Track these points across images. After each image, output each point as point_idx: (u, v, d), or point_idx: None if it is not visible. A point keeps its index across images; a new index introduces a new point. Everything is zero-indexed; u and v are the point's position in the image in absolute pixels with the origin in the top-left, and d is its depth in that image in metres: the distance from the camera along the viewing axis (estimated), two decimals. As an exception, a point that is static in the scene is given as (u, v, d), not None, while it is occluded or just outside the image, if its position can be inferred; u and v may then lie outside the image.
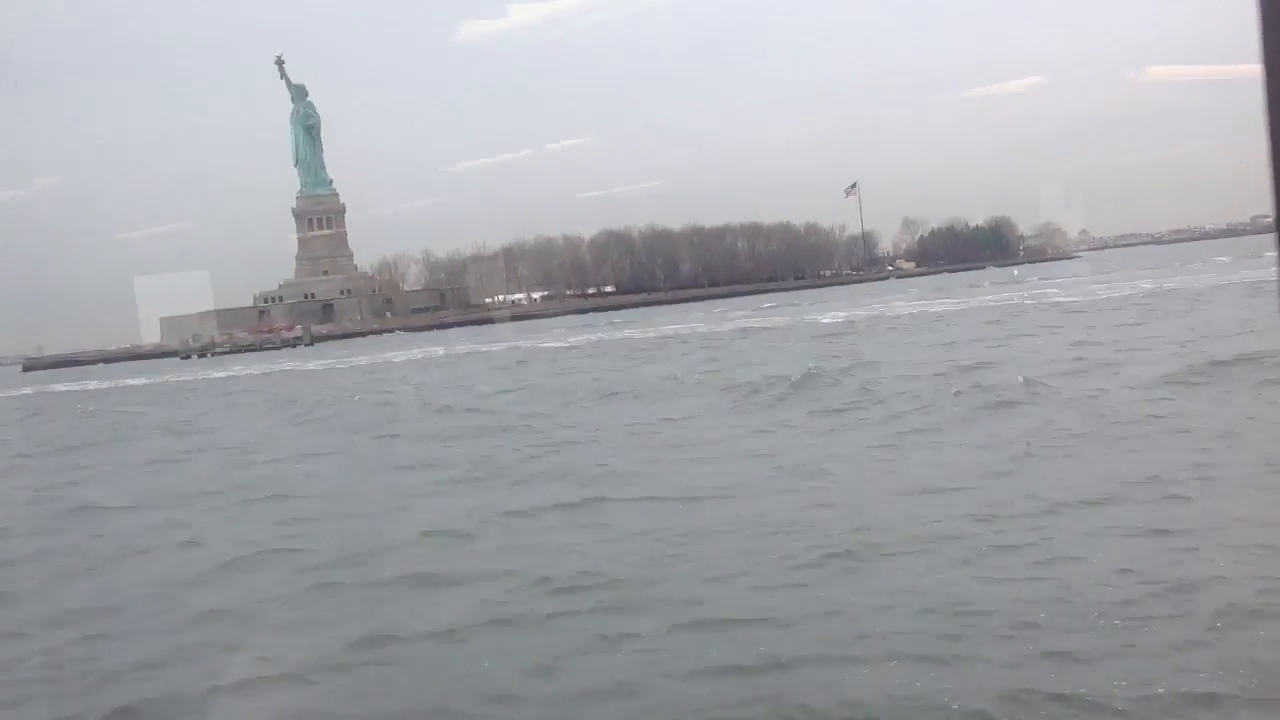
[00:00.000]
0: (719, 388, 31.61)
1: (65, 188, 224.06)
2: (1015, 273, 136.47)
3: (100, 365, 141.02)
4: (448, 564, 13.10)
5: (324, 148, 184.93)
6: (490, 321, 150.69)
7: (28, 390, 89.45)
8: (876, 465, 17.34)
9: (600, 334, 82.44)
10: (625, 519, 14.71)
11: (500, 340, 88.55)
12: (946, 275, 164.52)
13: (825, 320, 69.68)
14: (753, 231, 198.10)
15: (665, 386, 33.94)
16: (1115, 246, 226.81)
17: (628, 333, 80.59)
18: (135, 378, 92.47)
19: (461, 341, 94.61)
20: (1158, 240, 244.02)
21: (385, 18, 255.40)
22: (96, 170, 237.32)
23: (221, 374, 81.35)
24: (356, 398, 42.94)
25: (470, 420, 29.94)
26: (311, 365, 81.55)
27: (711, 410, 26.87)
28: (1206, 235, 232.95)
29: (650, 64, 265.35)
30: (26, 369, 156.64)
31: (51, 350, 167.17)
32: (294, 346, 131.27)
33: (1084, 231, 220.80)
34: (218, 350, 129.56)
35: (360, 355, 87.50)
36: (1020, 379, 25.03)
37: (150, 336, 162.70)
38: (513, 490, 18.09)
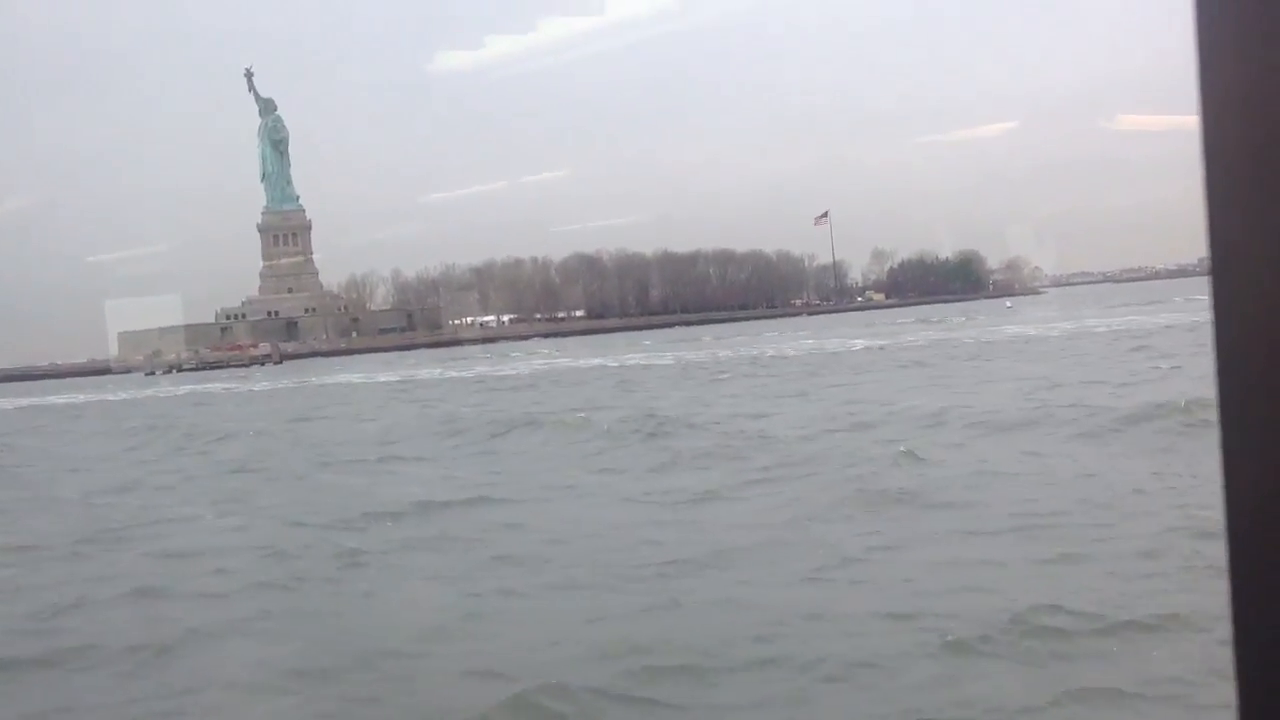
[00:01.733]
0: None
1: (32, 209, 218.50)
2: (1009, 304, 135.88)
3: (47, 381, 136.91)
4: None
5: (292, 165, 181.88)
6: (459, 343, 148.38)
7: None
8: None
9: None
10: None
11: (470, 364, 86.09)
12: (925, 307, 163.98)
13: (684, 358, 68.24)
14: (724, 258, 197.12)
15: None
16: (1071, 284, 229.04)
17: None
18: (63, 395, 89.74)
19: (427, 365, 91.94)
20: (1111, 279, 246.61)
21: (362, 42, 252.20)
22: (64, 188, 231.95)
23: (162, 393, 78.73)
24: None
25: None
26: (261, 386, 78.73)
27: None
28: (1157, 275, 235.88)
29: (626, 96, 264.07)
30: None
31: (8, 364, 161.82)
32: (262, 365, 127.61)
33: (1036, 268, 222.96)
34: (184, 367, 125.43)
35: (333, 375, 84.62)
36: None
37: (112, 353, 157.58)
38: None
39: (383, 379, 73.60)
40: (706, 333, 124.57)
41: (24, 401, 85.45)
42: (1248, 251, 0.78)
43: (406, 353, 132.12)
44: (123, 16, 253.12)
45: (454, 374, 72.67)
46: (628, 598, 11.44)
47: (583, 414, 31.64)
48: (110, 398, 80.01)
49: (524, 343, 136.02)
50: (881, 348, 61.42)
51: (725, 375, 49.57)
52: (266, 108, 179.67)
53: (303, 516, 18.26)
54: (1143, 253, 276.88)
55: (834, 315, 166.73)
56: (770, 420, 27.85)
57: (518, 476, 21.63)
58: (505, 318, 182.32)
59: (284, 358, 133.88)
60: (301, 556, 14.83)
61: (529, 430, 29.16)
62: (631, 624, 10.40)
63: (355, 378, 77.10)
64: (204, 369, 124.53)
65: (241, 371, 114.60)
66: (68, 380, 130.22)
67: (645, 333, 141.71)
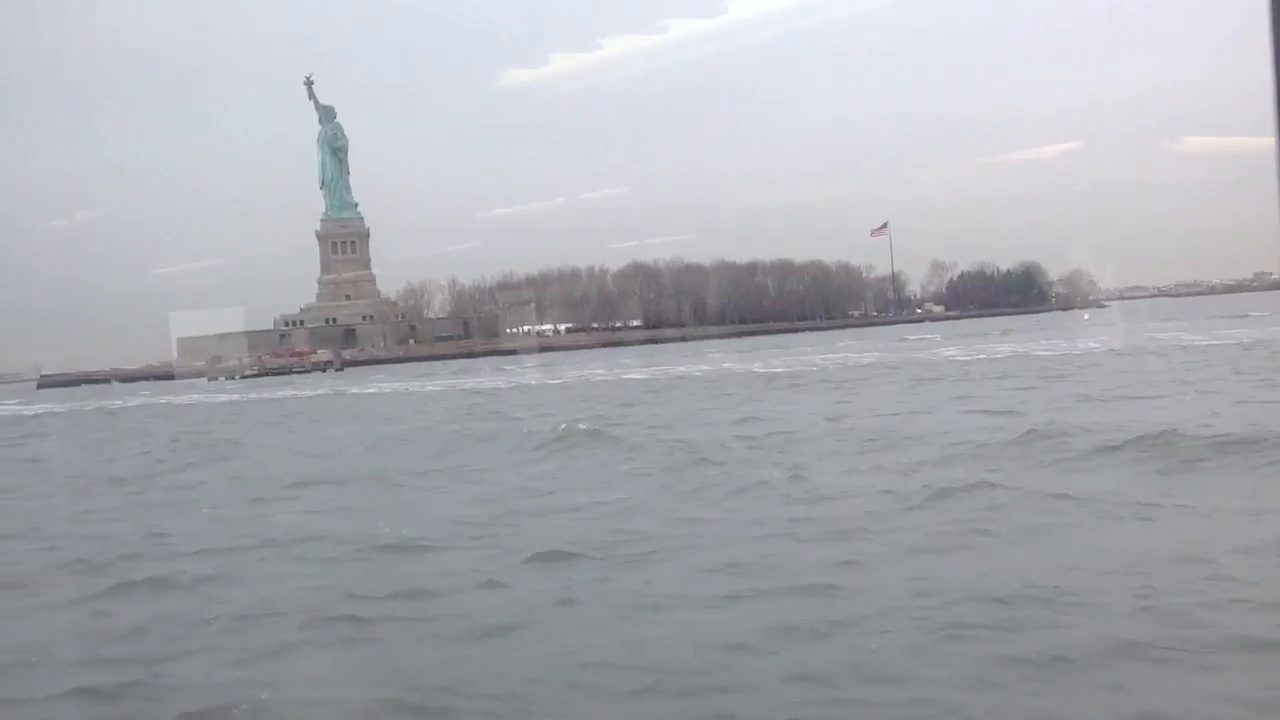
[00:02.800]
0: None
1: (99, 220, 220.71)
2: (1087, 316, 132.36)
3: (113, 384, 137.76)
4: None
5: (352, 177, 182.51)
6: (515, 352, 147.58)
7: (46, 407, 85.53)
8: None
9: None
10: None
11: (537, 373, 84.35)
12: (989, 319, 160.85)
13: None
14: (783, 268, 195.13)
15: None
16: (1125, 298, 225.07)
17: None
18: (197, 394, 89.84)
19: (484, 373, 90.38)
20: (1165, 293, 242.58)
21: (431, 59, 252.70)
22: (129, 198, 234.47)
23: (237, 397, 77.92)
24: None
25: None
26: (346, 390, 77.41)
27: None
28: (1213, 290, 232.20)
29: (685, 112, 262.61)
30: (41, 385, 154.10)
31: (65, 370, 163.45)
32: (324, 371, 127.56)
33: (1092, 281, 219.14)
34: (247, 373, 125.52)
35: (401, 381, 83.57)
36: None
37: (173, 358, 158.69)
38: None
39: (525, 381, 71.58)
40: (793, 341, 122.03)
41: (161, 400, 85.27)
42: None
43: (472, 360, 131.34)
44: (189, 30, 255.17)
45: (687, 369, 69.98)
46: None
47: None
48: (224, 397, 79.56)
49: (630, 349, 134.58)
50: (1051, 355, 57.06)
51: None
52: (326, 115, 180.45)
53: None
54: (1196, 268, 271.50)
55: (903, 326, 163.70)
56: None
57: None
58: (562, 327, 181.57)
59: (344, 364, 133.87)
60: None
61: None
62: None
63: (500, 383, 74.38)
64: (267, 374, 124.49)
65: (309, 378, 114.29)
66: (147, 384, 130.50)
67: (718, 341, 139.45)
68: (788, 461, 20.67)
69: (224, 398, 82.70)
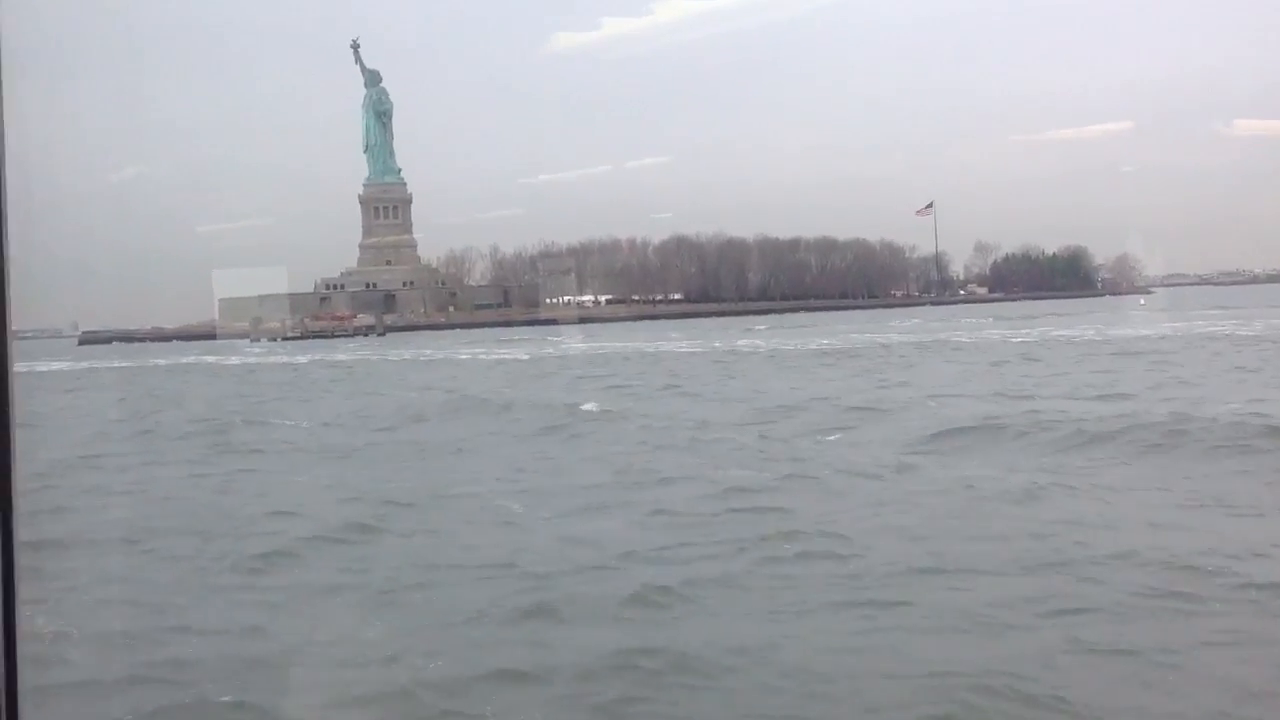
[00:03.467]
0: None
1: (144, 178, 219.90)
2: (1143, 301, 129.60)
3: (154, 344, 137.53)
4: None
5: (396, 141, 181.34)
6: (555, 322, 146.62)
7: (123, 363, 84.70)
8: None
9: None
10: None
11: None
12: (1036, 302, 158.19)
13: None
14: (826, 245, 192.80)
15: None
16: (1168, 285, 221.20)
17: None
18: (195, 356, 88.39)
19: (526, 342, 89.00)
20: (1207, 281, 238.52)
21: (478, 23, 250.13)
22: (174, 158, 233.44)
23: (303, 358, 76.93)
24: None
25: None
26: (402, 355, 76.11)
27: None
28: (1256, 279, 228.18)
29: (731, 80, 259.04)
30: (82, 342, 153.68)
31: (103, 327, 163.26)
32: (366, 335, 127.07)
33: (1134, 268, 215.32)
34: (289, 335, 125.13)
35: (454, 349, 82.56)
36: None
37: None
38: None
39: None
40: (848, 319, 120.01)
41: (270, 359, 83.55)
42: None
43: (606, 324, 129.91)
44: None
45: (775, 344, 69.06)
46: None
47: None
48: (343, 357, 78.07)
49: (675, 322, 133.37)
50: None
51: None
52: (372, 79, 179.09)
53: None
54: (1238, 256, 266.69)
55: (958, 306, 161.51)
56: None
57: None
58: (602, 298, 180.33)
59: (386, 329, 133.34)
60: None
61: None
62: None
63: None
64: (309, 338, 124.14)
65: (353, 342, 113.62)
66: (197, 344, 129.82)
67: (761, 317, 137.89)
68: None
69: (344, 356, 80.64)
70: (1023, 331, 69.54)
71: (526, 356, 67.26)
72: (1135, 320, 79.42)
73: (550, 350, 74.01)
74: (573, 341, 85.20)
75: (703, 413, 29.42)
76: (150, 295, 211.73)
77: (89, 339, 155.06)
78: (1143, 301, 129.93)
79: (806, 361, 52.46)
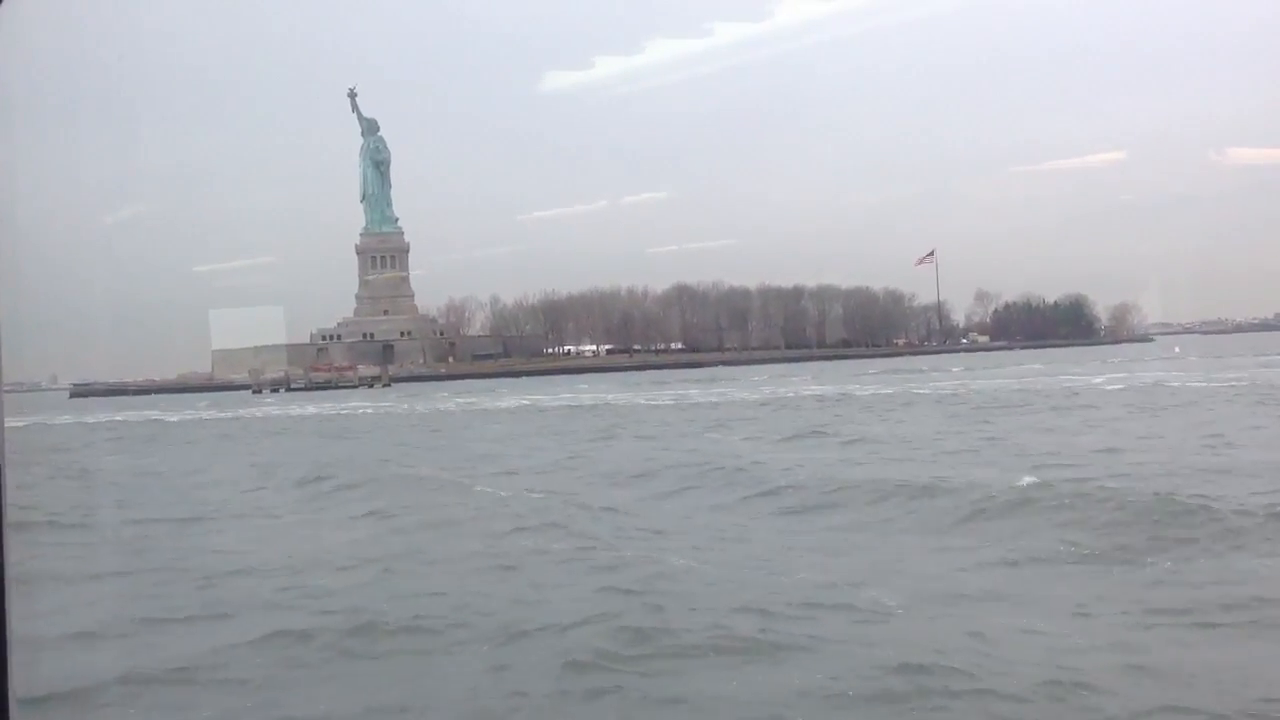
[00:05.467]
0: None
1: (136, 226, 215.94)
2: (1177, 349, 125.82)
3: (152, 395, 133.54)
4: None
5: (393, 185, 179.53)
6: (556, 373, 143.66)
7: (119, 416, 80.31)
8: None
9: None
10: None
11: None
12: (1039, 350, 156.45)
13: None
14: (828, 294, 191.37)
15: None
16: (1162, 333, 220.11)
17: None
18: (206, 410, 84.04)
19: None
20: (1189, 330, 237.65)
21: (473, 62, 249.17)
22: (170, 201, 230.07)
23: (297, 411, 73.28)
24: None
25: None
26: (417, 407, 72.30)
27: None
28: (1240, 328, 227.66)
29: (725, 120, 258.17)
30: (74, 395, 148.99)
31: (87, 380, 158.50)
32: (370, 386, 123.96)
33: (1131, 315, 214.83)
34: (293, 386, 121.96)
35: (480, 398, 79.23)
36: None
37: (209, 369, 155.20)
38: None
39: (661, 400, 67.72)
40: (868, 366, 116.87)
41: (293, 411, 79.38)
42: None
43: (513, 379, 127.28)
44: (229, 35, 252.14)
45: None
46: None
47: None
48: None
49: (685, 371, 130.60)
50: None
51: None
52: (369, 128, 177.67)
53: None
54: (1220, 306, 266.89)
55: (964, 354, 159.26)
56: None
57: None
58: (603, 348, 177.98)
59: (392, 380, 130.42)
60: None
61: None
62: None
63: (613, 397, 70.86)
64: (313, 389, 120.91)
65: (357, 392, 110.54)
66: (175, 397, 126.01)
67: (764, 366, 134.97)
68: None
69: (361, 407, 77.29)
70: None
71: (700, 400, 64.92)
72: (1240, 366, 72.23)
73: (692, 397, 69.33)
74: (663, 390, 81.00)
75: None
76: (139, 347, 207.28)
77: (81, 392, 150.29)
78: (1177, 349, 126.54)
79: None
